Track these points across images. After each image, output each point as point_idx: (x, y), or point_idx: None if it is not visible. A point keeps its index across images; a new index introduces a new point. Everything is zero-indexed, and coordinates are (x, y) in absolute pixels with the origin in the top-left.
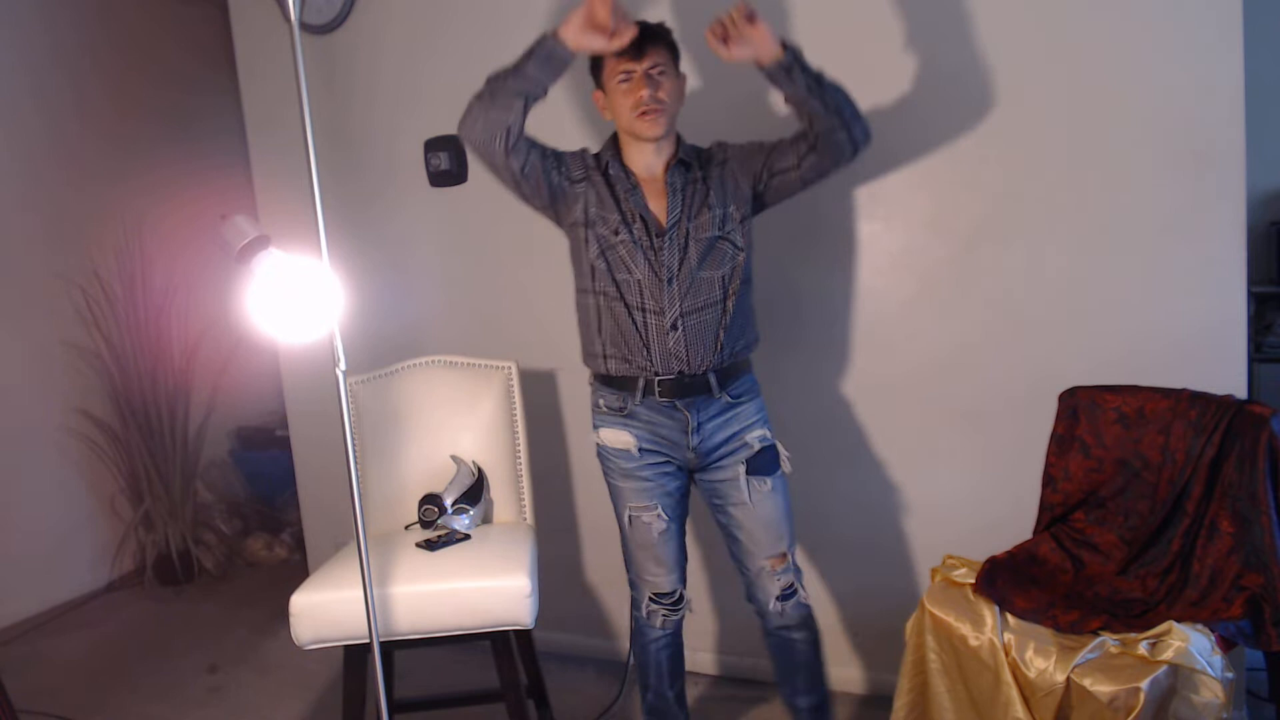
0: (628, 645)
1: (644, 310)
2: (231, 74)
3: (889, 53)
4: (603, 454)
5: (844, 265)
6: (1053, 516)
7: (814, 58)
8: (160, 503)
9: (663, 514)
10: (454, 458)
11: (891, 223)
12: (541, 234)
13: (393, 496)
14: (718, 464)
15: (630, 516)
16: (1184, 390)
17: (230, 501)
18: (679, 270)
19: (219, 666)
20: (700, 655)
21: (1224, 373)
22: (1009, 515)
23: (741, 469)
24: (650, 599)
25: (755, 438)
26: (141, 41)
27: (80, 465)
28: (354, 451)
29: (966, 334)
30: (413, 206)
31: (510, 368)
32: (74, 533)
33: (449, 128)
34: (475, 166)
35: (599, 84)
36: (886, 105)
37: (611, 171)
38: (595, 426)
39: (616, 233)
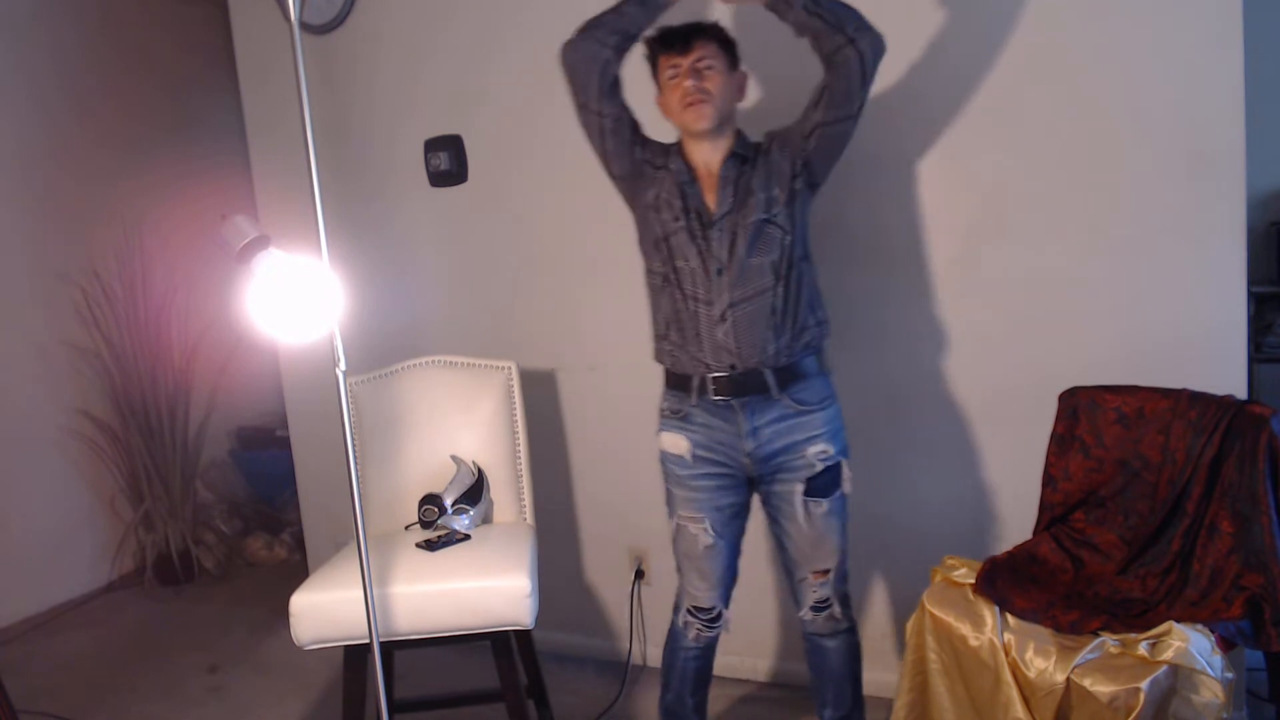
0: (628, 645)
1: (696, 300)
2: (231, 74)
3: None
4: (662, 458)
5: (844, 266)
6: (1053, 516)
7: (813, 55)
8: (160, 503)
9: (710, 529)
10: (454, 458)
11: (891, 223)
12: (542, 234)
13: (393, 496)
14: (775, 476)
15: (678, 524)
16: (1184, 390)
17: (230, 501)
18: (729, 261)
19: (219, 666)
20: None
21: (1224, 373)
22: (1009, 515)
23: (799, 488)
24: (689, 611)
25: (816, 454)
26: (141, 41)
27: (80, 465)
28: (354, 451)
29: (966, 334)
30: (413, 206)
31: (510, 368)
32: (74, 533)
33: (449, 127)
34: (475, 166)
35: (656, 83)
36: (886, 105)
37: (674, 166)
38: (658, 431)
39: (677, 219)
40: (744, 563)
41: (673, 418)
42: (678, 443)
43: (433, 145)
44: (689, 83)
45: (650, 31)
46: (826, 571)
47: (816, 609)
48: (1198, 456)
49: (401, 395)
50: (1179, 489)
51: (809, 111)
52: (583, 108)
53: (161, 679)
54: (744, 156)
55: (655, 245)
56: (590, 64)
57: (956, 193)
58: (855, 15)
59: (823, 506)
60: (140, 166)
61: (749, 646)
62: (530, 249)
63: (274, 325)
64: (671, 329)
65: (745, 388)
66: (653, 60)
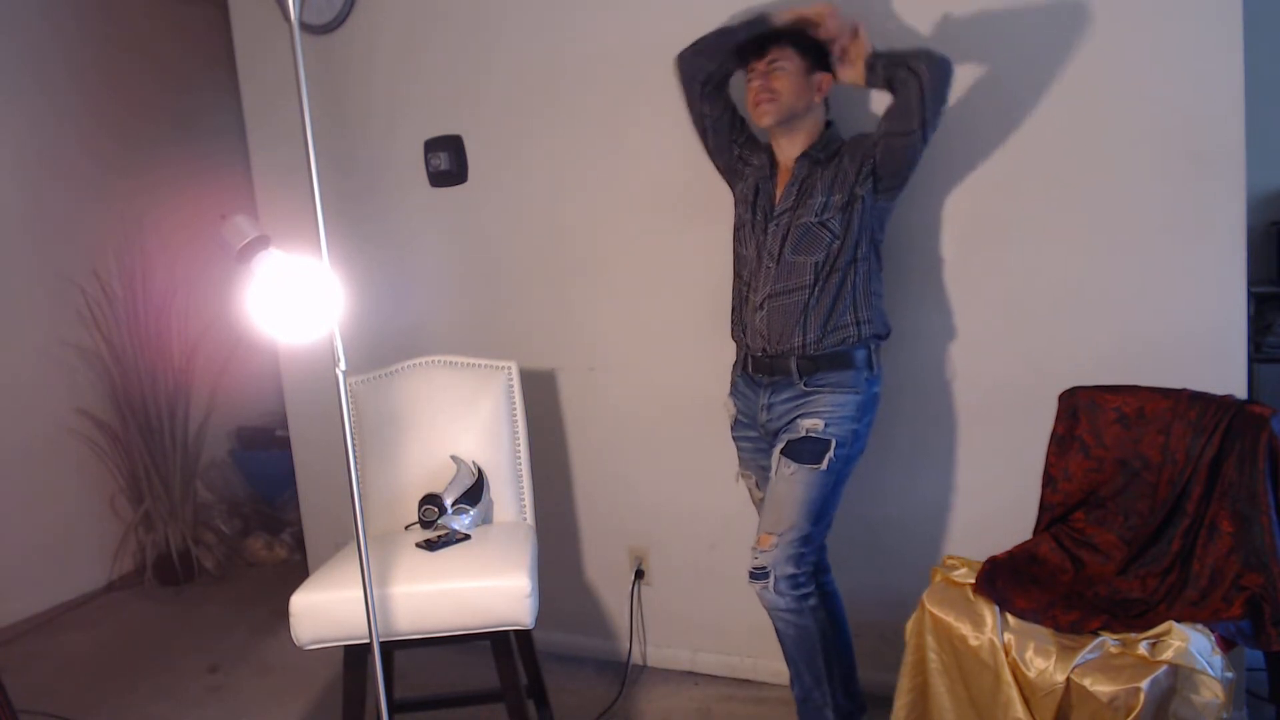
0: (628, 645)
1: (746, 286)
2: (231, 74)
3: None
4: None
5: None
6: (1053, 516)
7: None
8: (160, 503)
9: (758, 485)
10: (454, 458)
11: (892, 223)
12: (542, 234)
13: (393, 496)
14: (773, 444)
15: (739, 474)
16: (1184, 390)
17: (230, 501)
18: (778, 255)
19: (219, 666)
20: (702, 656)
21: (1224, 373)
22: (1009, 515)
23: (780, 446)
24: (751, 571)
25: (809, 425)
26: (141, 41)
27: (80, 465)
28: (354, 451)
29: (966, 334)
30: (413, 206)
31: (510, 368)
32: (74, 533)
33: (449, 127)
34: (475, 166)
35: None
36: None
37: (757, 161)
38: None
39: (749, 211)
40: (746, 560)
41: (732, 385)
42: (730, 405)
43: (433, 145)
44: (757, 83)
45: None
46: (771, 536)
47: (753, 575)
48: (1198, 456)
49: (401, 395)
50: (1179, 489)
51: (880, 122)
52: (690, 107)
53: (161, 679)
54: (816, 158)
55: (735, 233)
56: (693, 75)
57: (956, 193)
58: (921, 51)
59: (790, 468)
60: (140, 166)
61: (748, 646)
62: (530, 249)
63: (274, 325)
64: (735, 308)
65: (774, 370)
66: (743, 68)
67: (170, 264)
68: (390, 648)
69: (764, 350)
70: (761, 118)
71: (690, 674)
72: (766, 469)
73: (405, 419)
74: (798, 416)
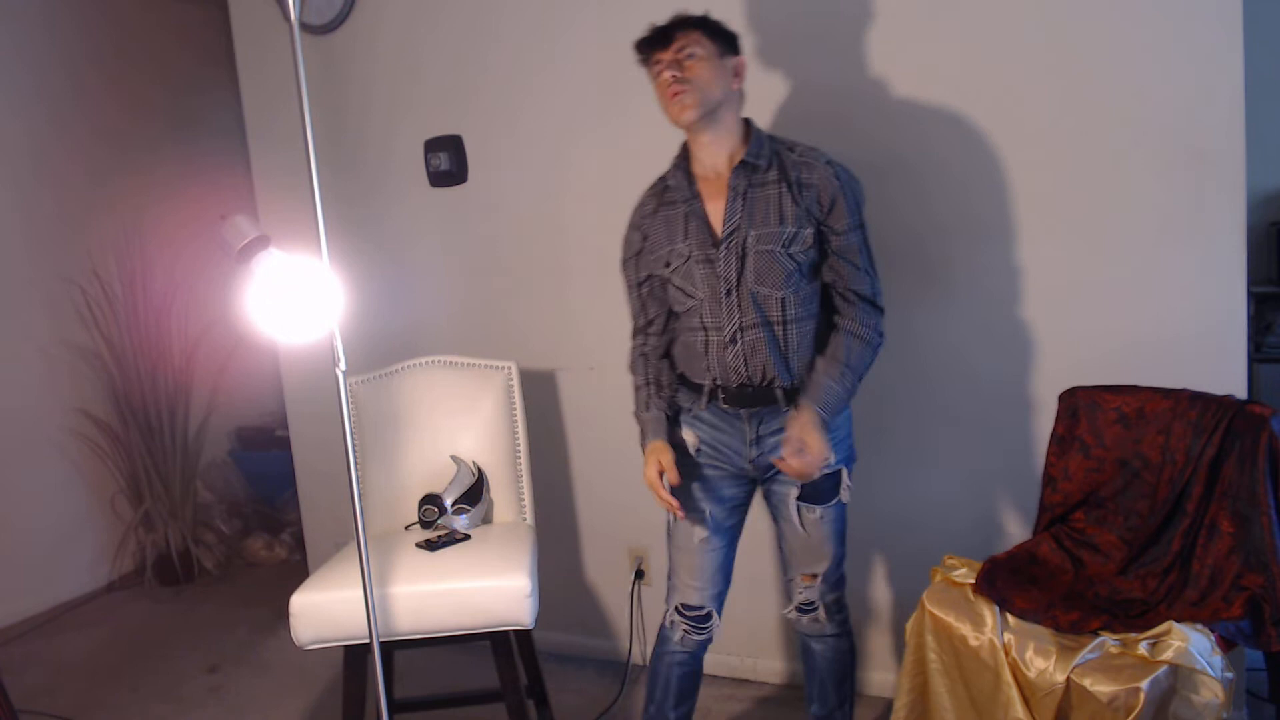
0: (628, 645)
1: (705, 329)
2: (231, 74)
3: (889, 53)
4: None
5: None
6: (1053, 516)
7: (813, 56)
8: (160, 503)
9: (706, 520)
10: (454, 458)
11: (891, 223)
12: (542, 234)
13: (393, 496)
14: (775, 478)
15: (680, 521)
16: (1184, 390)
17: (230, 501)
18: (736, 282)
19: (219, 666)
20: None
21: (1224, 373)
22: (1009, 515)
23: (793, 493)
24: (677, 609)
25: None
26: (141, 41)
27: (80, 465)
28: (354, 451)
29: (966, 334)
30: (413, 206)
31: (510, 368)
32: (74, 533)
33: (449, 127)
34: (475, 166)
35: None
36: (886, 105)
37: (672, 183)
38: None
39: (669, 264)
40: (746, 560)
41: (686, 413)
42: (687, 435)
43: (433, 145)
44: (668, 74)
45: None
46: (815, 576)
47: (801, 610)
48: (1198, 456)
49: (401, 395)
50: (1179, 489)
51: (830, 266)
52: None
53: (161, 679)
54: (755, 165)
55: (671, 274)
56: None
57: (956, 192)
58: (869, 364)
59: (816, 513)
60: (140, 166)
61: (748, 646)
62: (530, 249)
63: (274, 325)
64: (682, 361)
65: (756, 400)
66: (646, 64)
67: (170, 264)
68: (390, 648)
69: (741, 384)
70: (682, 113)
71: None
72: (730, 499)
73: (405, 419)
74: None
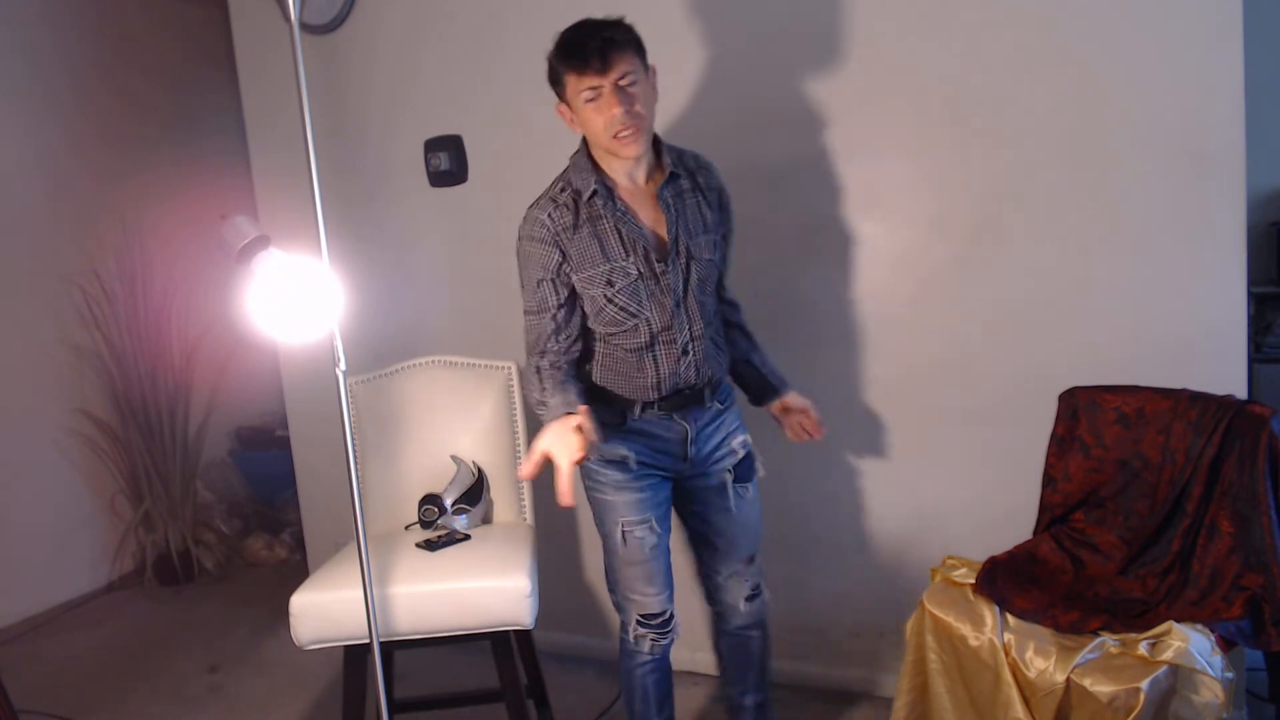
0: None
1: (653, 345)
2: (231, 74)
3: (889, 52)
4: (591, 469)
5: (844, 266)
6: (1053, 516)
7: (813, 55)
8: (160, 503)
9: (655, 525)
10: (454, 458)
11: (891, 223)
12: None
13: (393, 496)
14: (706, 471)
15: (624, 532)
16: (1184, 390)
17: (230, 501)
18: (684, 293)
19: (219, 666)
20: (701, 656)
21: (1224, 373)
22: (1009, 515)
23: (729, 476)
24: (638, 621)
25: (739, 444)
26: (141, 41)
27: (80, 465)
28: (354, 451)
29: (966, 334)
30: (413, 206)
31: (510, 368)
32: (74, 533)
33: (449, 127)
34: (475, 166)
35: (561, 98)
36: (886, 105)
37: (590, 197)
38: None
39: (611, 283)
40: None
41: (611, 429)
42: (617, 451)
43: (433, 145)
44: (618, 110)
45: (557, 48)
46: (753, 558)
47: (751, 598)
48: (1198, 456)
49: (401, 395)
50: (1179, 489)
51: (724, 243)
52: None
53: (161, 679)
54: (678, 173)
55: (612, 295)
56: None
57: (956, 192)
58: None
59: (749, 491)
60: (140, 166)
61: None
62: None
63: (274, 325)
64: (612, 380)
65: (688, 401)
66: (560, 78)
67: (170, 264)
68: (390, 648)
69: (679, 389)
70: (631, 148)
71: (689, 674)
72: (665, 502)
73: (405, 419)
74: (725, 438)
